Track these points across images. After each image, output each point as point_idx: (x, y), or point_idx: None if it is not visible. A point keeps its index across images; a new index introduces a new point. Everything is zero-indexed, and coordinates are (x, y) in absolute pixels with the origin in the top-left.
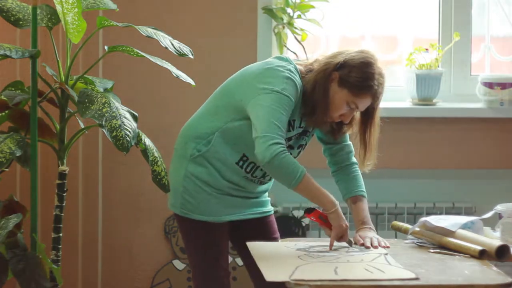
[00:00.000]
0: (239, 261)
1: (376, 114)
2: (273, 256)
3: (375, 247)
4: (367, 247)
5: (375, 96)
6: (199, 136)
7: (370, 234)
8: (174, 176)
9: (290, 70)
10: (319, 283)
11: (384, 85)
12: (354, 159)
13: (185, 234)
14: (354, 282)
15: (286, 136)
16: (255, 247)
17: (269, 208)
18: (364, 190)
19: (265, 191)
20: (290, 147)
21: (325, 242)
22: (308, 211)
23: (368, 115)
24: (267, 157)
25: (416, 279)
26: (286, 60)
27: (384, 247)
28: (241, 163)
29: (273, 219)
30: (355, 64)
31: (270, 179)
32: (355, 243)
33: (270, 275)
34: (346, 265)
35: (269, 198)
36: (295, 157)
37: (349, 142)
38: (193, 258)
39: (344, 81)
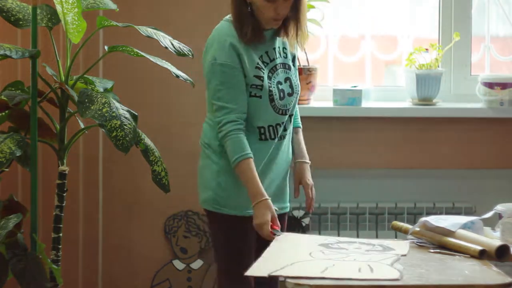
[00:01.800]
0: None
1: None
2: (283, 250)
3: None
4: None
5: None
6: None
7: (309, 176)
8: (206, 172)
9: (218, 29)
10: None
11: None
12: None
13: (215, 229)
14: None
15: (272, 65)
16: (280, 239)
17: (287, 204)
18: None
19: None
20: (279, 83)
21: (355, 238)
22: None
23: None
24: (219, 138)
25: (396, 280)
26: (223, 20)
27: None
28: (263, 136)
29: (285, 218)
30: None
31: (289, 125)
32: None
33: (253, 270)
34: (345, 263)
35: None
36: (289, 93)
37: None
38: (220, 253)
39: None
